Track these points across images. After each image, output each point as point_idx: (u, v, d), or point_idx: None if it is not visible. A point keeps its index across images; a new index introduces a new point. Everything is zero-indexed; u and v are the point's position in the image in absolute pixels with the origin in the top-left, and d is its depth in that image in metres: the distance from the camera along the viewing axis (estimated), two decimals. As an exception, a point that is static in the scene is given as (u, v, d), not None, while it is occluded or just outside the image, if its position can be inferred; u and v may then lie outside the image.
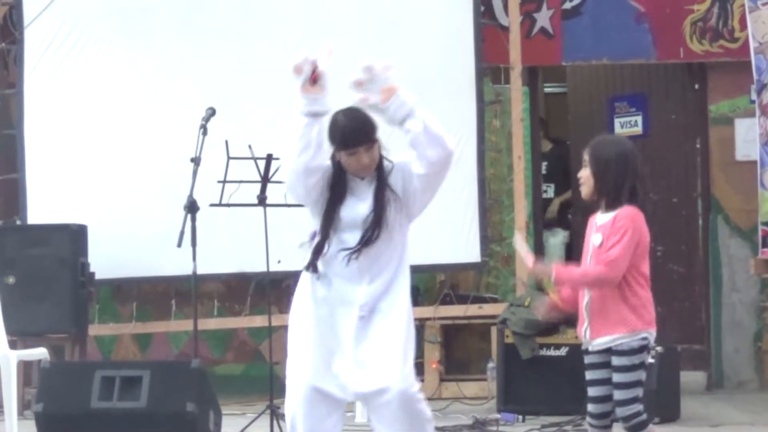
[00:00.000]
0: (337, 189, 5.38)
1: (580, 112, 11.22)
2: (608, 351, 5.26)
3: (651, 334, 5.26)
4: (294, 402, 5.38)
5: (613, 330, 5.21)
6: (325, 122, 5.31)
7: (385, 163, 5.41)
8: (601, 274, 5.18)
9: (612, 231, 5.19)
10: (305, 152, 5.27)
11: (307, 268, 5.41)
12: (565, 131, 11.23)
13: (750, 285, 9.69)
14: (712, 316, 9.78)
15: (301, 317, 5.45)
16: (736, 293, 9.77)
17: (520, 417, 8.09)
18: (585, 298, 5.28)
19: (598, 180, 5.27)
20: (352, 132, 5.29)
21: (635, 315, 5.22)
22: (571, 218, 10.68)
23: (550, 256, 10.21)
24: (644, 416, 5.23)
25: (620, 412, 5.23)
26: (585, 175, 5.31)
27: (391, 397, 5.29)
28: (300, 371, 5.38)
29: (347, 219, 5.38)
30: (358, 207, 5.39)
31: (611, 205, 5.26)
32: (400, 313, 5.39)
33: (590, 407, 5.34)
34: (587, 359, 5.33)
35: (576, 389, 7.76)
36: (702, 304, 9.94)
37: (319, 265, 5.39)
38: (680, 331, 9.42)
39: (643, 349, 5.24)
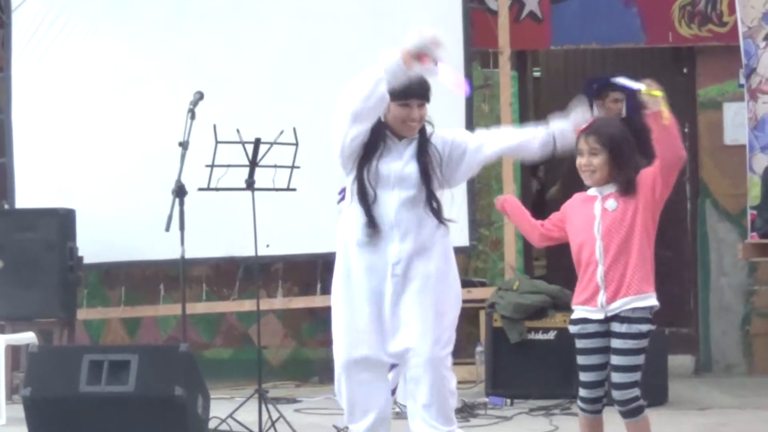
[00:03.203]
0: (375, 142, 5.46)
1: (556, 97, 11.16)
2: (615, 319, 5.19)
3: (655, 300, 5.27)
4: (338, 368, 5.56)
5: (627, 292, 5.19)
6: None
7: (427, 127, 5.56)
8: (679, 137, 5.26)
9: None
10: (365, 102, 5.31)
11: (367, 225, 5.46)
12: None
13: (738, 269, 9.70)
14: (700, 300, 9.80)
15: (338, 287, 5.57)
16: (725, 277, 9.78)
17: (509, 401, 8.10)
18: (598, 268, 5.20)
19: (617, 165, 5.20)
20: (411, 83, 5.42)
21: (647, 281, 5.26)
22: None
23: None
24: (641, 401, 5.22)
25: (618, 395, 5.19)
26: (597, 162, 5.21)
27: (419, 357, 5.41)
28: (337, 342, 5.54)
29: (382, 174, 5.47)
30: (392, 164, 5.48)
31: (625, 191, 5.20)
32: (435, 276, 5.47)
33: (582, 392, 5.31)
34: (584, 343, 5.28)
35: (564, 373, 7.81)
36: (690, 288, 9.95)
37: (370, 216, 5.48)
38: (668, 315, 9.38)
39: (648, 334, 5.22)
